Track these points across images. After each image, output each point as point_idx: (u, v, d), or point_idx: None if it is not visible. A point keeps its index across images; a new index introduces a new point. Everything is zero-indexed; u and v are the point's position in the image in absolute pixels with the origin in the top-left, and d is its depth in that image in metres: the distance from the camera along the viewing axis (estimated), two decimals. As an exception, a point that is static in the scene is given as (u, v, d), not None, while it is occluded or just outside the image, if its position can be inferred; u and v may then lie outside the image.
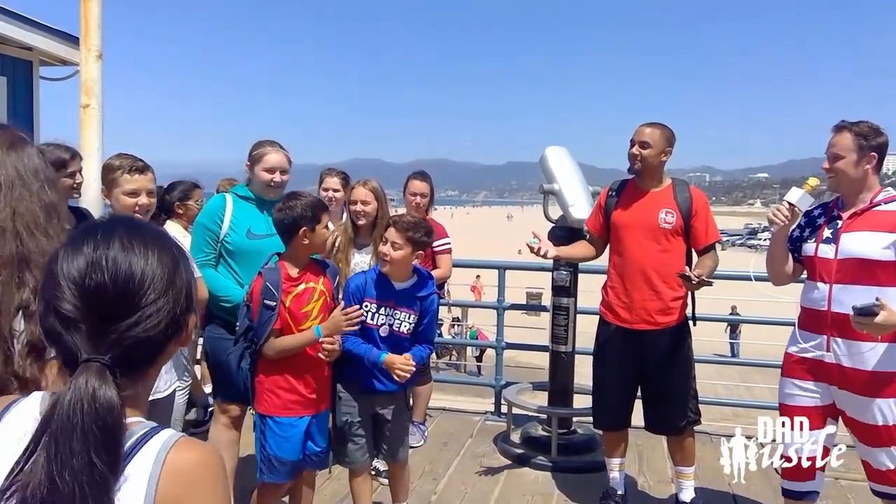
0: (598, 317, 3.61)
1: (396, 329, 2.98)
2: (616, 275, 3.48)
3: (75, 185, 3.10)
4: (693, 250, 3.43)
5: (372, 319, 2.95)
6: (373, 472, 3.72)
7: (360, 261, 3.64)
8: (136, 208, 2.66)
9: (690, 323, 3.50)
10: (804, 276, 2.95)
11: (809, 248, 2.87)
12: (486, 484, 3.96)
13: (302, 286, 2.80)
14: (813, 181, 2.86)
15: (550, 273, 4.38)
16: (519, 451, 4.33)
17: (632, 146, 3.37)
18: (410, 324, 3.00)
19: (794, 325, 2.95)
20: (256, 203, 3.25)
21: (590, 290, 4.72)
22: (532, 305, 8.38)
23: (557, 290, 4.32)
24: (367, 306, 2.93)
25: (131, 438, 0.90)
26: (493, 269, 5.37)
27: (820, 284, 2.79)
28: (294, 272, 2.80)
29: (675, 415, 3.46)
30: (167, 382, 2.64)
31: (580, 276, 4.36)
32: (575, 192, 4.10)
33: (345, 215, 3.80)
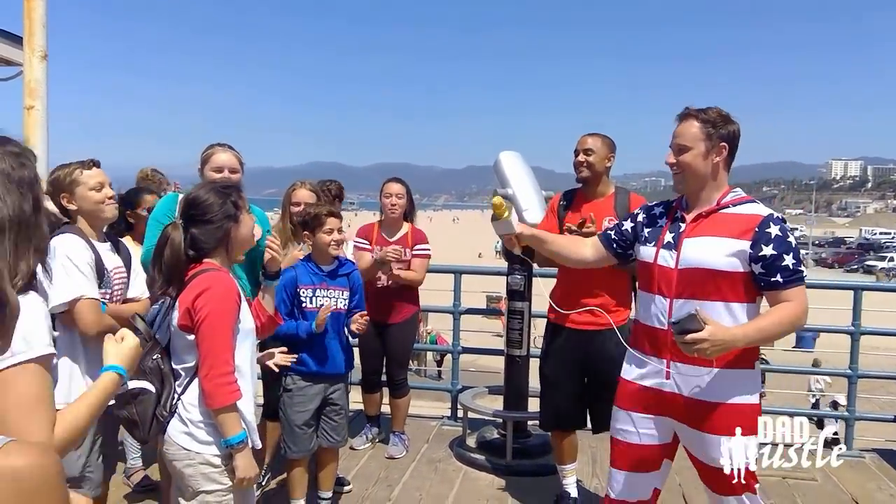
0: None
1: (334, 307, 3.27)
2: (563, 277, 3.56)
3: None
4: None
5: (311, 303, 3.26)
6: None
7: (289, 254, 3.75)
8: (107, 200, 2.52)
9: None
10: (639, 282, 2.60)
11: (648, 252, 2.48)
12: (441, 489, 3.95)
13: None
14: (496, 200, 2.63)
15: (505, 278, 4.40)
16: (474, 455, 4.34)
17: (577, 155, 3.50)
18: (346, 300, 3.34)
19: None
20: None
21: (545, 295, 4.72)
22: (488, 309, 8.38)
23: (512, 294, 4.34)
24: (304, 293, 3.25)
25: None
26: (449, 273, 5.36)
27: (658, 298, 2.39)
28: None
29: None
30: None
31: (535, 279, 4.38)
32: (528, 196, 4.10)
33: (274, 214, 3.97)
